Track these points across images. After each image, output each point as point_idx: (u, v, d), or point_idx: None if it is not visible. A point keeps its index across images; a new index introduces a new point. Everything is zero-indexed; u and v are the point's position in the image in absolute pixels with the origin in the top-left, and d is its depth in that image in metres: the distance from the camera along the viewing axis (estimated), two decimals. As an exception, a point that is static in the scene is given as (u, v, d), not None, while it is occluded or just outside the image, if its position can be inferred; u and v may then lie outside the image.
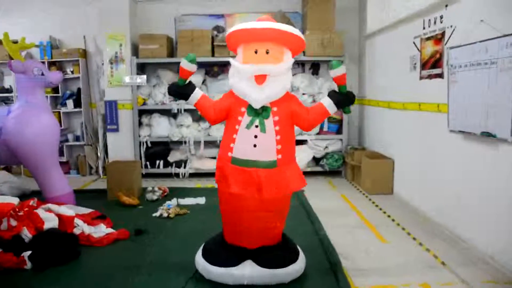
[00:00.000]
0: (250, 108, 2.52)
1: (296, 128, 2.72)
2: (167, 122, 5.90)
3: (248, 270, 2.66)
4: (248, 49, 2.55)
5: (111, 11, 5.70)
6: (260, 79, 2.48)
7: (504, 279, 2.74)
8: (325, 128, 6.05)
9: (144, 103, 5.85)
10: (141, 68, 6.10)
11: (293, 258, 2.74)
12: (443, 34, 3.68)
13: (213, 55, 5.78)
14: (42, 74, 4.04)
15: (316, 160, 6.13)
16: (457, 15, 3.47)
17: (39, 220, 3.27)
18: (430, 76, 3.91)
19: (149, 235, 3.66)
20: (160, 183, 5.48)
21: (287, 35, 2.51)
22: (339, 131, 6.08)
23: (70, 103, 6.25)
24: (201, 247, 2.89)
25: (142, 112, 5.97)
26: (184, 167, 5.93)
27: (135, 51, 5.87)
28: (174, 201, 4.59)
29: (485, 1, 3.12)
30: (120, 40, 5.69)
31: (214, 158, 6.09)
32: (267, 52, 2.51)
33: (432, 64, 3.87)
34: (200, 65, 6.04)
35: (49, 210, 3.45)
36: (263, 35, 2.51)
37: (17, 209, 3.20)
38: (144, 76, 5.74)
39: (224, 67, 6.24)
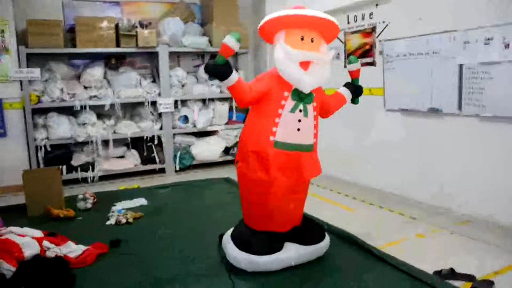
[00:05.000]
0: (294, 93, 2.59)
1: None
2: (67, 121, 5.14)
3: (292, 251, 2.75)
4: (293, 35, 2.58)
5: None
6: (305, 65, 2.57)
7: (466, 219, 3.53)
8: (234, 118, 6.22)
9: (39, 101, 4.95)
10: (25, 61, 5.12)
11: (324, 230, 2.95)
12: (373, 28, 4.33)
13: (118, 46, 5.28)
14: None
15: (225, 150, 6.26)
16: (389, 13, 4.14)
17: (16, 248, 2.61)
18: (359, 65, 4.54)
19: (127, 244, 3.28)
20: (68, 190, 4.79)
21: (333, 26, 2.64)
22: (245, 120, 6.31)
23: None
24: (228, 243, 2.80)
25: (34, 112, 5.04)
26: (93, 170, 5.29)
27: (22, 40, 4.90)
28: (118, 206, 4.15)
29: (419, 1, 3.83)
30: (1, 25, 4.66)
31: (123, 157, 5.63)
32: (312, 40, 2.61)
33: (361, 54, 4.50)
34: (102, 56, 5.49)
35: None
36: (313, 23, 2.58)
37: (-15, 239, 2.49)
38: (38, 69, 4.85)
39: (122, 59, 5.76)
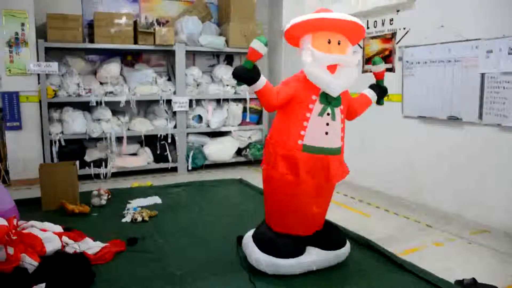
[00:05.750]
0: (322, 96, 2.58)
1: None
2: (82, 116, 5.14)
3: (314, 256, 2.74)
4: (320, 38, 2.58)
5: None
6: (332, 68, 2.56)
7: (483, 228, 3.52)
8: (247, 119, 6.22)
9: (55, 95, 4.96)
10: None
11: (344, 237, 2.94)
12: (393, 34, 4.32)
13: (135, 43, 5.29)
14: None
15: (237, 151, 6.25)
16: (410, 19, 4.13)
17: (39, 243, 2.61)
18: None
19: (144, 241, 3.28)
20: (80, 186, 4.79)
21: (359, 29, 2.64)
22: (259, 122, 6.33)
23: None
24: (249, 244, 2.78)
25: (50, 106, 5.04)
26: (105, 167, 5.30)
27: (42, 33, 4.91)
28: (133, 203, 4.16)
29: (442, 8, 3.82)
30: (21, 18, 4.68)
31: (135, 154, 5.64)
32: (338, 43, 2.61)
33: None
34: (118, 53, 5.50)
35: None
36: (340, 26, 2.59)
37: (11, 233, 2.49)
38: (56, 63, 4.86)
39: (138, 56, 5.76)
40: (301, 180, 2.61)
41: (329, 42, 2.58)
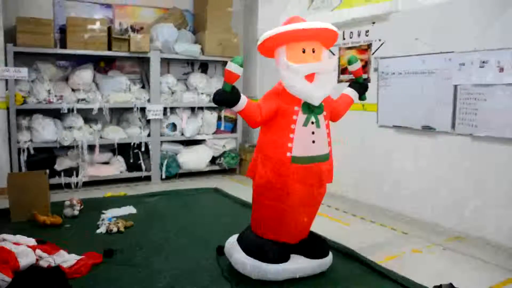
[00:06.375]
0: (304, 106, 2.60)
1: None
2: (53, 124, 4.97)
3: (299, 263, 2.75)
4: (294, 49, 2.60)
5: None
6: (311, 77, 2.58)
7: (457, 235, 3.62)
8: (222, 128, 6.18)
9: (24, 102, 4.77)
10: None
11: (328, 246, 2.96)
12: (369, 45, 4.43)
13: (109, 49, 5.17)
14: None
15: (211, 160, 6.19)
16: (386, 31, 4.25)
17: (12, 257, 2.48)
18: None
19: (123, 254, 3.19)
20: (51, 196, 4.61)
21: (332, 34, 2.67)
22: (233, 130, 6.31)
23: None
24: (235, 249, 2.79)
25: (19, 113, 4.83)
26: (77, 176, 5.12)
27: (10, 37, 4.72)
28: (108, 213, 4.03)
29: (417, 21, 3.95)
30: (-13, 21, 4.49)
31: (108, 163, 5.49)
32: (313, 51, 2.63)
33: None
34: (91, 59, 5.37)
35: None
36: (312, 34, 2.61)
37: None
38: (25, 69, 4.68)
39: (111, 62, 5.64)
40: (293, 191, 2.62)
41: (303, 52, 2.60)
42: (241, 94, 2.55)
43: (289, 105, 2.62)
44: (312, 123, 2.62)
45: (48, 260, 2.80)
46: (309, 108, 2.61)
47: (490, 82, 3.40)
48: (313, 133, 2.62)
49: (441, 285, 2.67)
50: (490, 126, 3.42)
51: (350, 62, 2.89)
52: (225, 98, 2.49)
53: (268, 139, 2.70)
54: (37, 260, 2.74)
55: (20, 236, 2.81)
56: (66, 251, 3.05)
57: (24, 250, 2.58)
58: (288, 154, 2.59)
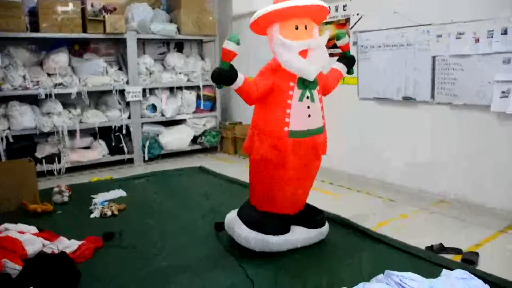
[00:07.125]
0: (299, 81, 2.68)
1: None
2: (31, 110, 4.83)
3: (299, 234, 2.87)
4: (287, 26, 2.66)
5: None
6: (304, 53, 2.65)
7: (439, 199, 3.86)
8: (201, 106, 6.18)
9: (-1, 89, 4.61)
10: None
11: (324, 215, 3.10)
12: (347, 20, 4.51)
13: (84, 31, 5.02)
14: None
15: (192, 139, 6.20)
16: (364, 6, 4.34)
17: (19, 246, 2.47)
18: (332, 55, 4.71)
19: (121, 236, 3.22)
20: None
21: (323, 10, 2.74)
22: (213, 109, 6.32)
23: None
24: (236, 224, 2.87)
25: (-8, 101, 4.68)
26: (59, 162, 5.03)
27: (-22, 22, 4.50)
28: (98, 198, 4.02)
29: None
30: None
31: (89, 148, 5.41)
32: (305, 28, 2.70)
33: (334, 45, 4.65)
34: (64, 42, 5.20)
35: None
36: (304, 11, 2.66)
37: (-13, 237, 2.34)
38: (-3, 55, 4.51)
39: (85, 45, 5.48)
40: (290, 165, 2.71)
41: (296, 28, 2.66)
42: (239, 73, 2.60)
43: (285, 81, 2.68)
44: (307, 97, 2.70)
45: (51, 247, 2.81)
46: (303, 84, 2.69)
47: (467, 52, 3.57)
48: (308, 107, 2.71)
49: (432, 245, 2.88)
50: (467, 94, 3.61)
51: (338, 38, 3.00)
52: (224, 76, 2.52)
53: (264, 115, 2.76)
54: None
55: (21, 225, 2.79)
56: (65, 238, 3.06)
57: (30, 238, 2.58)
58: (286, 128, 2.68)
